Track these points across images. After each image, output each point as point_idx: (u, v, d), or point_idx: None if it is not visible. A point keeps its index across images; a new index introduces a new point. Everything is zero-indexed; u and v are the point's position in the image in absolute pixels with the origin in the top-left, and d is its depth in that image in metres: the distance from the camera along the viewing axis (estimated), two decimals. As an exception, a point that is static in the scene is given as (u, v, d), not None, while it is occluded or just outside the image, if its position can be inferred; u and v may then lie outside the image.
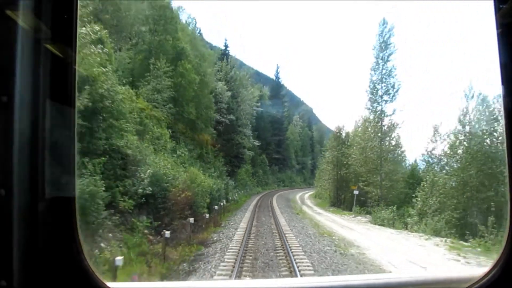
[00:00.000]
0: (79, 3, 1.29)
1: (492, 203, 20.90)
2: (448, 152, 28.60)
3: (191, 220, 13.43)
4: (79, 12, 1.29)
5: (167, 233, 10.54)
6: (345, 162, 38.65)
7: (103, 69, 13.96)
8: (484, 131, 26.67)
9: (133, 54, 26.20)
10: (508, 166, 1.43)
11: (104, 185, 10.77)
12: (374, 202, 31.52)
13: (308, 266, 10.35)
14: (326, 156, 45.92)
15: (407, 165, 35.92)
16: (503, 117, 1.38)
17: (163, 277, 9.08)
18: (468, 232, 19.98)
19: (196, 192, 16.38)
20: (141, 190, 13.03)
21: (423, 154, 32.17)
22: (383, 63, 33.35)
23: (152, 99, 20.82)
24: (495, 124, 27.12)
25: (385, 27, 33.60)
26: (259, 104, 59.89)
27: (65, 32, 1.26)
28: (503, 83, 1.41)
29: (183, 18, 40.58)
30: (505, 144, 1.39)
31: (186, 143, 24.93)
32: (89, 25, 14.57)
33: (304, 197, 49.70)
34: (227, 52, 53.69)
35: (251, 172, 52.42)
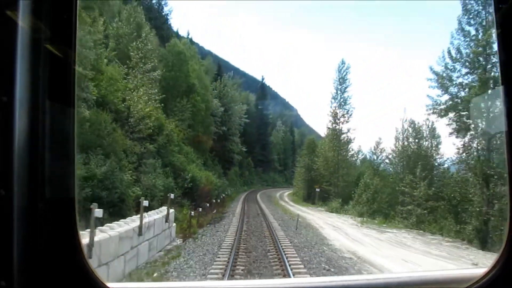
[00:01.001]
0: (79, 3, 1.31)
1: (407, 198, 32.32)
2: (386, 161, 40.40)
3: (214, 200, 24.57)
4: (78, 13, 1.32)
5: (207, 204, 21.43)
6: (314, 167, 49.68)
7: (163, 115, 24.72)
8: (413, 146, 38.12)
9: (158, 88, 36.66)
10: (508, 166, 1.40)
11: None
12: (333, 197, 42.75)
13: (272, 218, 22.02)
14: (300, 161, 56.94)
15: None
16: (503, 116, 1.38)
17: (211, 221, 19.82)
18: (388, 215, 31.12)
19: (211, 188, 27.21)
20: (185, 185, 23.71)
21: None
22: (341, 94, 44.79)
23: (178, 125, 31.42)
24: (422, 141, 38.84)
25: (344, 66, 45.12)
26: (246, 115, 70.07)
27: (65, 32, 1.27)
28: (503, 83, 1.41)
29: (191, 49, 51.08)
30: (505, 144, 1.41)
31: (197, 154, 35.55)
32: (155, 89, 24.98)
33: (284, 195, 58.47)
34: (220, 73, 64.37)
35: (239, 173, 62.34)
